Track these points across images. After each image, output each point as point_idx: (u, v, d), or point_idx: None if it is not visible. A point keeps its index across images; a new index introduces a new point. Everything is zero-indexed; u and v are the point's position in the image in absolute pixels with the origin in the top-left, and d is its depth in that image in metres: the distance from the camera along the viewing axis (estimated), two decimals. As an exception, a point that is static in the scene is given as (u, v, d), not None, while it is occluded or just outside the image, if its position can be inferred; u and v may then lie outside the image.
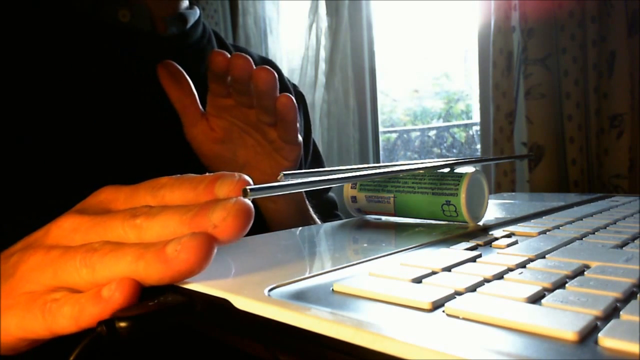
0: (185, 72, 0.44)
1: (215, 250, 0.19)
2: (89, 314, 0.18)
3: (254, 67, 0.36)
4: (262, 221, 0.43)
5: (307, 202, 0.45)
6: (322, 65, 1.31)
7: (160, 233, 0.20)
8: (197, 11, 0.47)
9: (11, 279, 0.21)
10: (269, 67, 0.36)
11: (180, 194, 0.21)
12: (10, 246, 0.24)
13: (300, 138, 0.40)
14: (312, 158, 0.56)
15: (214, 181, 0.21)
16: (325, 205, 0.55)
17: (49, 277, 0.20)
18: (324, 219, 0.48)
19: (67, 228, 0.21)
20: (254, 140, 0.41)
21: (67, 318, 0.19)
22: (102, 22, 0.40)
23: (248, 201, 0.19)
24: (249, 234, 0.20)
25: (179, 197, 0.21)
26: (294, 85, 0.57)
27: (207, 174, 0.22)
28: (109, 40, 0.40)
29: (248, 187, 0.20)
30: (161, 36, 0.43)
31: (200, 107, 0.40)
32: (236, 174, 0.21)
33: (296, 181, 0.23)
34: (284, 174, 0.27)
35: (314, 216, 0.46)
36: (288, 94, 0.37)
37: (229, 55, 0.36)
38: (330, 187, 0.56)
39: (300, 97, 0.57)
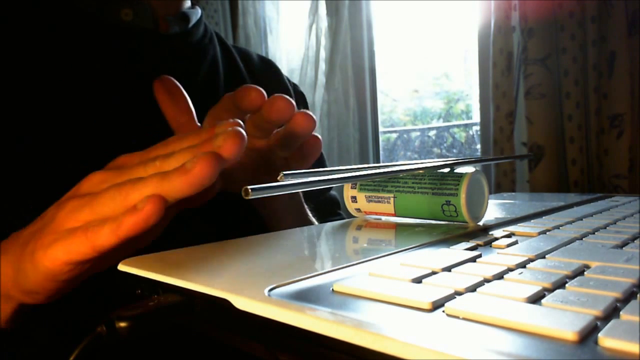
0: (186, 71, 0.44)
1: (222, 166, 0.22)
2: (126, 225, 0.21)
3: (296, 110, 0.33)
4: (260, 222, 0.43)
5: (305, 205, 0.44)
6: (322, 65, 1.31)
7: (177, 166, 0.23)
8: (199, 11, 0.47)
9: (51, 223, 0.23)
10: (310, 113, 0.34)
11: (188, 143, 0.25)
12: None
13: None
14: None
15: (214, 127, 0.25)
16: (327, 205, 0.55)
17: (87, 214, 0.23)
18: (324, 220, 0.48)
19: (95, 181, 0.24)
20: (254, 164, 0.38)
21: (108, 233, 0.21)
22: (105, 21, 0.40)
23: (240, 129, 0.23)
24: (250, 235, 0.21)
25: (186, 147, 0.25)
26: (295, 85, 0.57)
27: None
28: (112, 39, 0.40)
29: (249, 187, 0.21)
30: (163, 35, 0.43)
31: (198, 124, 0.36)
32: (230, 120, 0.25)
33: (296, 181, 0.23)
34: (284, 174, 0.27)
35: (312, 219, 0.45)
36: (318, 135, 0.36)
37: (264, 93, 0.32)
38: (331, 187, 0.55)
39: (300, 97, 0.56)
